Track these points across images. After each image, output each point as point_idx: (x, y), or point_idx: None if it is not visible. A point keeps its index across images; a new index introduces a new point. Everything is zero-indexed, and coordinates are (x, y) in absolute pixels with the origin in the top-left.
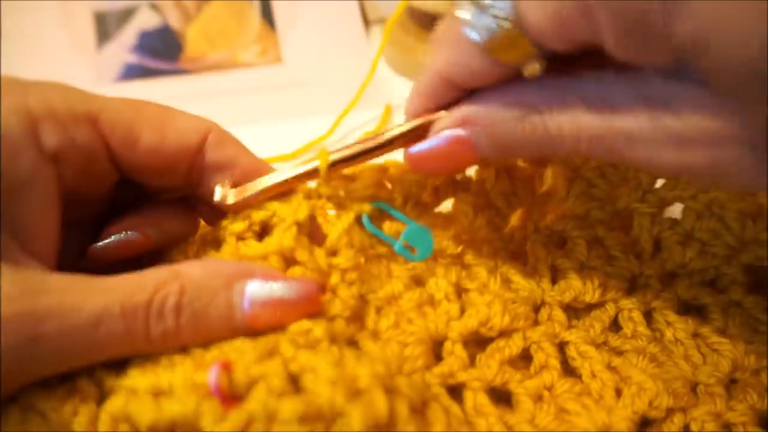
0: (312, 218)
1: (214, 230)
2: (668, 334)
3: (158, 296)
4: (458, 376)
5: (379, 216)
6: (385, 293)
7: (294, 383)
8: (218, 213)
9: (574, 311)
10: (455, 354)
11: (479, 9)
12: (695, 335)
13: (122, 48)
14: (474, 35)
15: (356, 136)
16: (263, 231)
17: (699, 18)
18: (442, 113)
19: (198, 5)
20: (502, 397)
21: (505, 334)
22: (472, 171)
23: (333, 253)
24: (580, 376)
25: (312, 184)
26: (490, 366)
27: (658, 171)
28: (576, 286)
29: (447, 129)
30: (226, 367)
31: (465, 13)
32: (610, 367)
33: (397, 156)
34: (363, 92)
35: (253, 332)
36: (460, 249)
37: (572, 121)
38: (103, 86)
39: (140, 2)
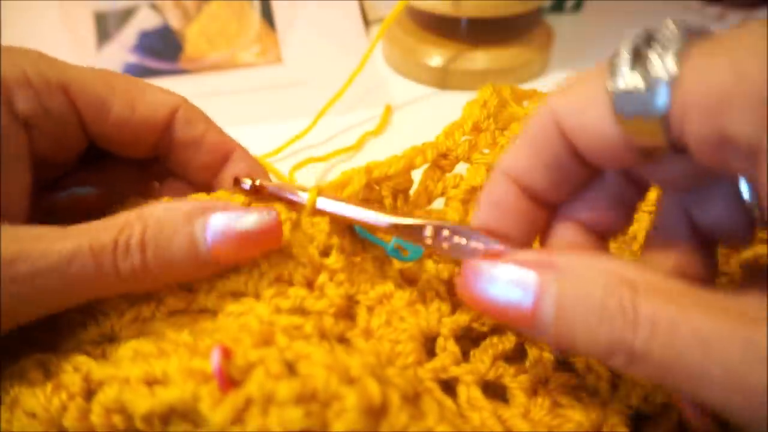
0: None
1: None
2: None
3: (123, 234)
4: (451, 371)
5: None
6: (376, 293)
7: (290, 370)
8: (182, 187)
9: None
10: (448, 349)
11: (637, 59)
12: None
13: (122, 48)
14: (618, 95)
15: (356, 137)
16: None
17: None
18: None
19: (198, 5)
20: (497, 393)
21: (498, 330)
22: (463, 169)
23: (325, 253)
24: (575, 371)
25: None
26: (484, 361)
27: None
28: None
29: (518, 263)
30: (226, 353)
31: (621, 62)
32: None
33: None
34: (349, 85)
35: (221, 267)
36: None
37: (675, 316)
38: None
39: (140, 2)
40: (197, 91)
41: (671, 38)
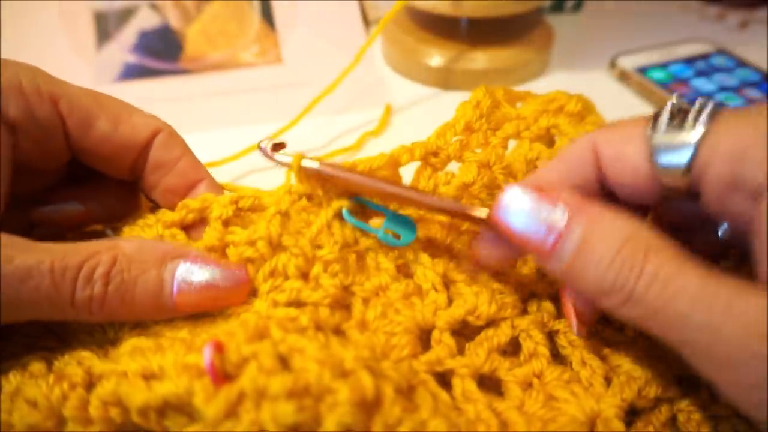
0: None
1: (200, 210)
2: None
3: (90, 262)
4: (446, 364)
5: (360, 211)
6: (372, 285)
7: (283, 364)
8: (156, 206)
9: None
10: (443, 342)
11: (677, 120)
12: None
13: (122, 48)
14: (656, 145)
15: (356, 137)
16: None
17: None
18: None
19: (198, 5)
20: (491, 386)
21: (493, 323)
22: (455, 167)
23: (318, 246)
24: (570, 364)
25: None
26: (479, 354)
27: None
28: None
29: (557, 200)
30: (219, 348)
31: (663, 118)
32: (600, 356)
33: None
34: (342, 80)
35: (179, 314)
36: (449, 240)
37: (672, 274)
38: (103, 86)
39: (140, 2)
40: (197, 91)
41: (704, 104)
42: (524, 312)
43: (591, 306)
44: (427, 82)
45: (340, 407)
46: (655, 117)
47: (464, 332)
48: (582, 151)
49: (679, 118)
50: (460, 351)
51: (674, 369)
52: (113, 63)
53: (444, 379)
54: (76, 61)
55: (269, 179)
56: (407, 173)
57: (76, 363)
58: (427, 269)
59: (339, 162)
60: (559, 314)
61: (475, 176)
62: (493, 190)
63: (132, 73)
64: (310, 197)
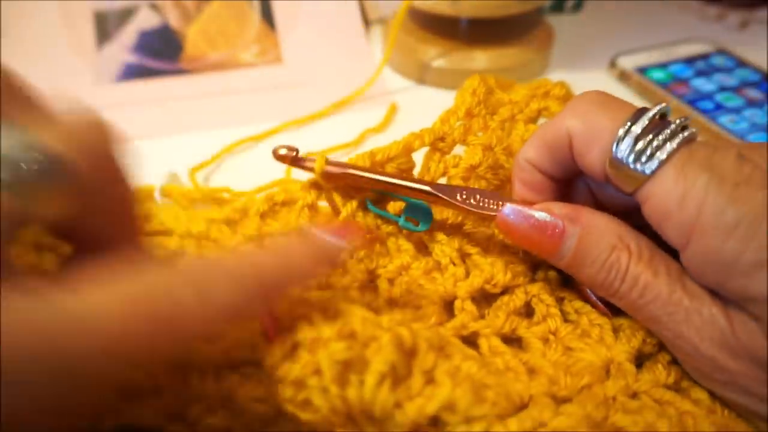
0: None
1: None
2: None
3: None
4: (470, 327)
5: (381, 200)
6: (395, 266)
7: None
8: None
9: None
10: (466, 309)
11: (651, 127)
12: None
13: (122, 48)
14: (620, 151)
15: (355, 136)
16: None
17: None
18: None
19: (198, 5)
20: (513, 346)
21: (508, 290)
22: (460, 150)
23: None
24: (580, 325)
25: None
26: (499, 316)
27: (680, 348)
28: None
29: (551, 213)
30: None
31: (637, 126)
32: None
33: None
34: (360, 95)
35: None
36: (460, 219)
37: (648, 282)
38: (103, 86)
39: (140, 2)
40: (197, 91)
41: (673, 135)
42: (533, 280)
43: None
44: (427, 82)
45: (385, 348)
46: (630, 123)
47: (482, 301)
48: (556, 136)
49: (645, 139)
50: (481, 317)
51: None
52: (113, 63)
53: (470, 343)
54: (76, 61)
55: (268, 174)
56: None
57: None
58: (444, 246)
59: (351, 158)
60: (564, 282)
61: (481, 158)
62: (497, 170)
63: (132, 73)
64: (336, 189)
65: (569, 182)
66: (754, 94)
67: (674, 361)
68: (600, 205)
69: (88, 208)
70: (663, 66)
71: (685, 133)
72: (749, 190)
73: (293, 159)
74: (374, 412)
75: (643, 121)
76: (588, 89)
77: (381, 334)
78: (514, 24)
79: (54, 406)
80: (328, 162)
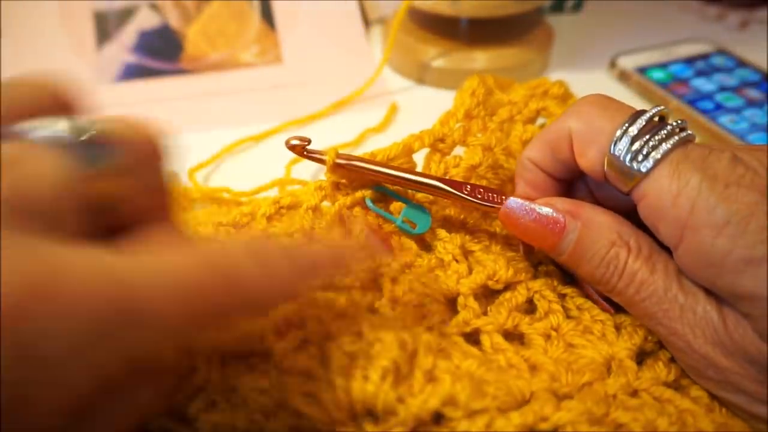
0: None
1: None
2: None
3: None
4: (473, 323)
5: (382, 199)
6: (398, 263)
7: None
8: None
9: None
10: (468, 306)
11: (648, 128)
12: None
13: (122, 48)
14: (618, 151)
15: (356, 133)
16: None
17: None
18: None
19: (198, 5)
20: (515, 342)
21: (510, 286)
22: (460, 150)
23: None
24: (581, 321)
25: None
26: (501, 312)
27: (674, 346)
28: None
29: (554, 208)
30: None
31: (633, 128)
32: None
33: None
34: (359, 95)
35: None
36: (462, 216)
37: (645, 279)
38: (103, 86)
39: (140, 2)
40: (197, 91)
41: (669, 135)
42: (535, 276)
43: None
44: (427, 82)
45: (389, 345)
46: (627, 124)
47: (484, 298)
48: (558, 136)
49: (641, 140)
50: (484, 314)
51: None
52: (113, 63)
53: (473, 340)
54: (76, 61)
55: (268, 174)
56: (417, 161)
57: None
58: (447, 243)
59: (358, 155)
60: (566, 278)
61: (481, 158)
62: (497, 170)
63: (132, 73)
64: (337, 188)
65: (570, 183)
66: (754, 94)
67: (675, 359)
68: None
69: (132, 191)
70: (663, 66)
71: (682, 135)
72: (740, 190)
73: (303, 149)
74: (377, 407)
75: (640, 123)
76: (588, 89)
77: (383, 335)
78: (514, 24)
79: (132, 359)
80: (338, 155)
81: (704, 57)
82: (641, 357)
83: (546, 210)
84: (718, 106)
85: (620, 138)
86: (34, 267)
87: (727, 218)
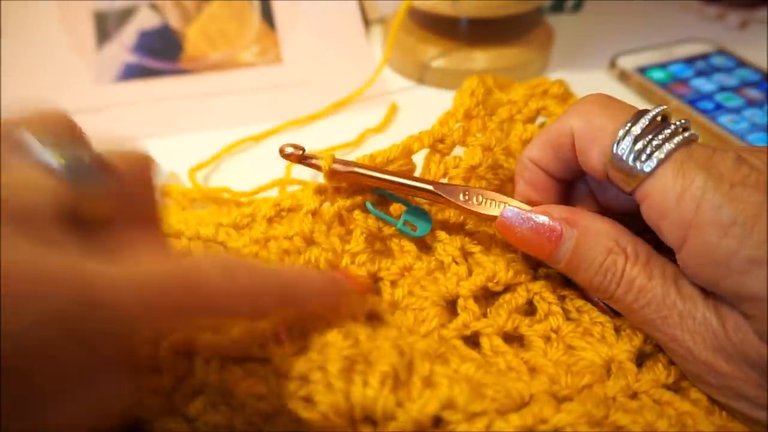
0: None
1: (245, 215)
2: None
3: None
4: (473, 326)
5: (383, 201)
6: (397, 267)
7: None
8: None
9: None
10: (468, 308)
11: (651, 128)
12: None
13: (122, 48)
14: (619, 150)
15: (356, 133)
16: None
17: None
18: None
19: (198, 5)
20: (515, 344)
21: (510, 288)
22: (460, 151)
23: (345, 239)
24: (581, 323)
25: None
26: (501, 314)
27: (678, 355)
28: None
29: (550, 216)
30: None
31: (635, 128)
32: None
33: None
34: (359, 95)
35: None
36: (462, 218)
37: (643, 286)
38: (103, 86)
39: (140, 2)
40: (197, 91)
41: (672, 135)
42: (535, 278)
43: None
44: (427, 82)
45: (388, 351)
46: (630, 124)
47: (484, 300)
48: (560, 135)
49: (644, 139)
50: (483, 316)
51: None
52: (113, 63)
53: (473, 342)
54: (76, 61)
55: (268, 174)
56: (417, 161)
57: None
58: (447, 245)
59: (356, 158)
60: (566, 280)
61: (481, 159)
62: (496, 170)
63: (132, 73)
64: (338, 191)
65: (570, 183)
66: (754, 94)
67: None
68: (601, 208)
69: (120, 212)
70: (663, 66)
71: (685, 134)
72: (746, 190)
73: (300, 157)
74: (376, 412)
75: (643, 122)
76: (588, 89)
77: (380, 344)
78: (514, 24)
79: (90, 348)
80: (334, 160)
81: (704, 57)
82: (641, 359)
83: (542, 218)
84: (718, 106)
85: (623, 137)
86: (6, 260)
87: (733, 218)
